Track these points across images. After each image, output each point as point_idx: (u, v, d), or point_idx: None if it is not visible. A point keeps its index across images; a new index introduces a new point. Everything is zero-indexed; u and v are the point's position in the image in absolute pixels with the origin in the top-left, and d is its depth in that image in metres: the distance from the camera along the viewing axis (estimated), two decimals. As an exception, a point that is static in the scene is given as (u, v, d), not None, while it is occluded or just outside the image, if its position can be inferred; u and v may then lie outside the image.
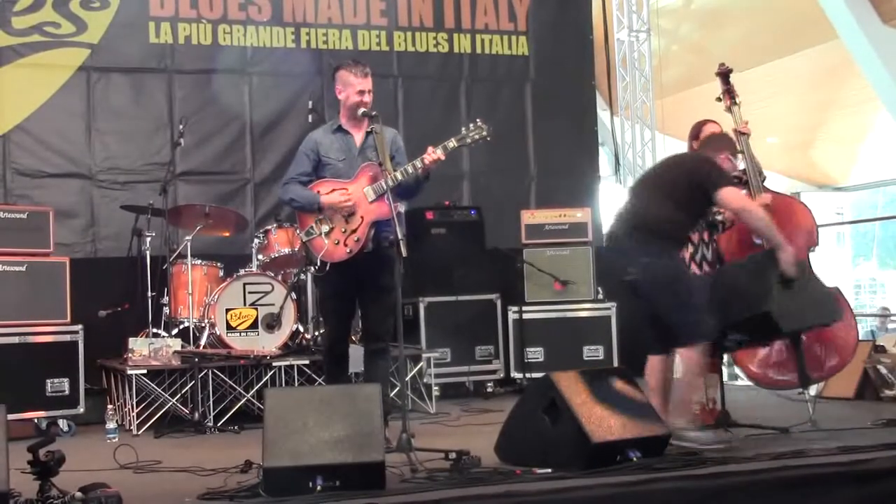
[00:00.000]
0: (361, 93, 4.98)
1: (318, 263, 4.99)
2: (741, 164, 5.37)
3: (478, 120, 4.97)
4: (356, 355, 5.38)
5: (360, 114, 4.95)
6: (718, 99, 5.61)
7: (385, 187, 4.75)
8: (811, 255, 5.32)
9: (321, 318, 6.30)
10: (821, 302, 4.97)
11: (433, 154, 4.81)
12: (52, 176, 7.51)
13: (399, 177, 4.82)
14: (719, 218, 5.25)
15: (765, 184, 5.39)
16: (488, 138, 4.92)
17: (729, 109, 5.56)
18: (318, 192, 4.98)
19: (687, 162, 5.06)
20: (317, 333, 6.60)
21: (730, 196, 4.68)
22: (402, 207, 5.80)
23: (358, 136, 5.06)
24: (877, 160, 14.35)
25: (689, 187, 4.75)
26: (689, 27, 13.09)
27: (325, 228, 4.95)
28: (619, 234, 4.84)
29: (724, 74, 5.60)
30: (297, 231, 5.20)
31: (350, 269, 4.94)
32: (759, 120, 5.82)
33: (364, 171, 4.95)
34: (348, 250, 4.91)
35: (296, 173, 5.09)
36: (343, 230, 4.93)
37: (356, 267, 4.92)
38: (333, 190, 4.96)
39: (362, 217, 4.90)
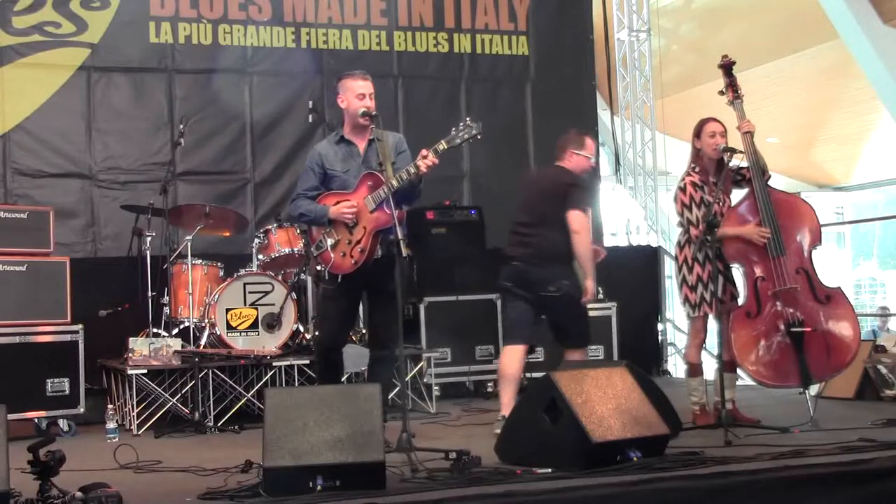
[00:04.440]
0: (362, 96, 4.94)
1: (328, 276, 4.98)
2: (743, 163, 5.35)
3: (467, 119, 4.81)
4: (353, 354, 5.36)
5: (361, 114, 4.90)
6: (721, 92, 5.51)
7: (383, 195, 4.73)
8: (814, 253, 5.32)
9: (319, 321, 6.25)
10: None
11: (425, 160, 4.69)
12: (53, 176, 7.53)
13: (395, 183, 4.74)
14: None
15: (769, 183, 5.37)
16: (478, 136, 4.75)
17: (732, 104, 5.47)
18: (326, 204, 4.96)
19: (545, 182, 5.55)
20: (317, 333, 6.60)
21: (573, 218, 5.28)
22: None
23: (361, 146, 5.01)
24: (877, 160, 14.37)
25: (553, 203, 5.32)
26: (689, 27, 13.13)
27: (331, 241, 4.93)
28: (539, 256, 5.36)
29: (727, 67, 5.51)
30: (311, 248, 5.15)
31: (359, 278, 4.93)
32: (759, 120, 5.79)
33: (364, 180, 4.91)
34: (354, 261, 4.88)
35: (303, 189, 5.06)
36: (348, 242, 4.90)
37: (366, 274, 4.90)
38: (338, 202, 4.93)
39: (364, 227, 4.86)
